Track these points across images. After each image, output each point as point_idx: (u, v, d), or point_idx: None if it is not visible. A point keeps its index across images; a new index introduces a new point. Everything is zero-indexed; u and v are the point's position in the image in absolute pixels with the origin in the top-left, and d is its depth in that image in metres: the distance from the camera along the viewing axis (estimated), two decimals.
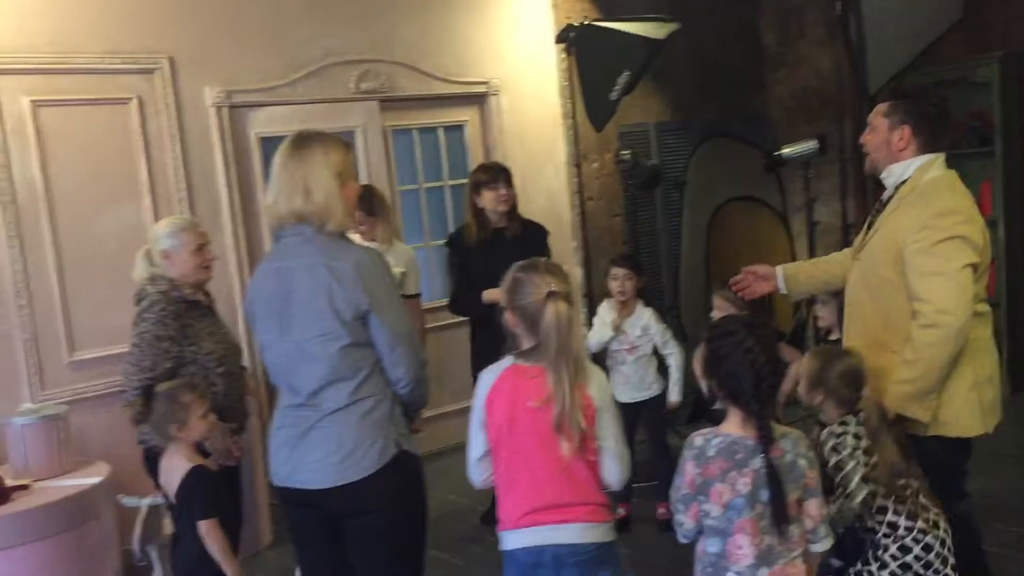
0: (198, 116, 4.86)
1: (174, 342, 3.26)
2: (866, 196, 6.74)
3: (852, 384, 2.65)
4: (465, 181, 5.89)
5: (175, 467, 3.01)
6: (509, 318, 2.37)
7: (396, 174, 5.60)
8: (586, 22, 5.46)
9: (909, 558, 2.61)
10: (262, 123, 5.09)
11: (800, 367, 3.48)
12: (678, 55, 6.40)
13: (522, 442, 2.30)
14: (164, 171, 4.76)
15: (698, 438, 2.29)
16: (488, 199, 4.39)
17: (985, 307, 2.89)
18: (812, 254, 6.16)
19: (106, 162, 4.60)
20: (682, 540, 2.31)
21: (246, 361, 4.16)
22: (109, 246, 4.61)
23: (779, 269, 3.40)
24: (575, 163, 5.94)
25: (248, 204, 5.01)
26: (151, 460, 3.40)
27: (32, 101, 4.37)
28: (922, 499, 2.66)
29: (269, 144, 5.12)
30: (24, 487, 3.82)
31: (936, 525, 2.66)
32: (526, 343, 2.33)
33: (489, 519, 4.30)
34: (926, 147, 2.86)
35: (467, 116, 5.91)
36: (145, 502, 3.82)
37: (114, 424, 4.49)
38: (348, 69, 5.33)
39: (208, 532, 2.94)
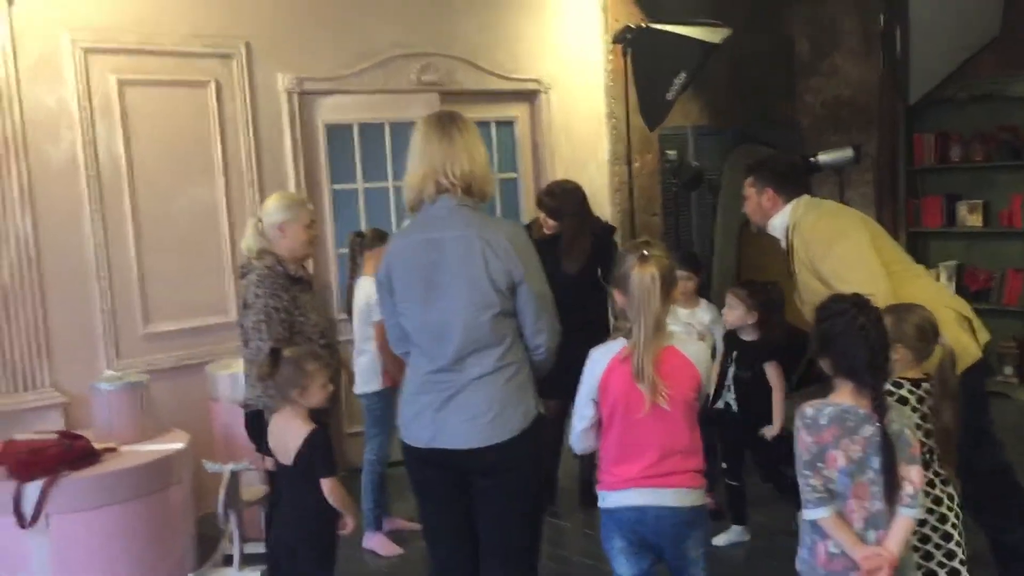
0: (270, 101, 5.03)
1: (288, 312, 3.41)
2: (896, 204, 6.96)
3: (926, 334, 2.75)
4: (514, 175, 6.11)
5: (292, 430, 3.15)
6: (618, 296, 2.54)
7: None
8: (643, 24, 5.63)
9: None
10: (329, 111, 5.26)
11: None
12: (714, 61, 6.60)
13: (636, 414, 2.46)
14: (237, 153, 4.93)
15: (809, 408, 2.45)
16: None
17: (909, 265, 3.33)
18: None
19: (184, 143, 4.77)
20: (808, 512, 2.41)
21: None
22: (184, 224, 4.77)
23: None
24: (626, 161, 6.10)
25: (314, 187, 5.17)
26: (253, 423, 3.56)
27: (119, 80, 4.53)
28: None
29: (334, 131, 5.31)
30: (112, 450, 3.96)
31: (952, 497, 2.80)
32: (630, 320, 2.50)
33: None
34: (788, 197, 3.42)
35: (518, 112, 6.08)
36: (228, 468, 3.96)
37: (184, 395, 4.66)
38: (411, 62, 5.50)
39: (332, 489, 3.10)
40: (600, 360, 2.52)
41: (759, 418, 3.98)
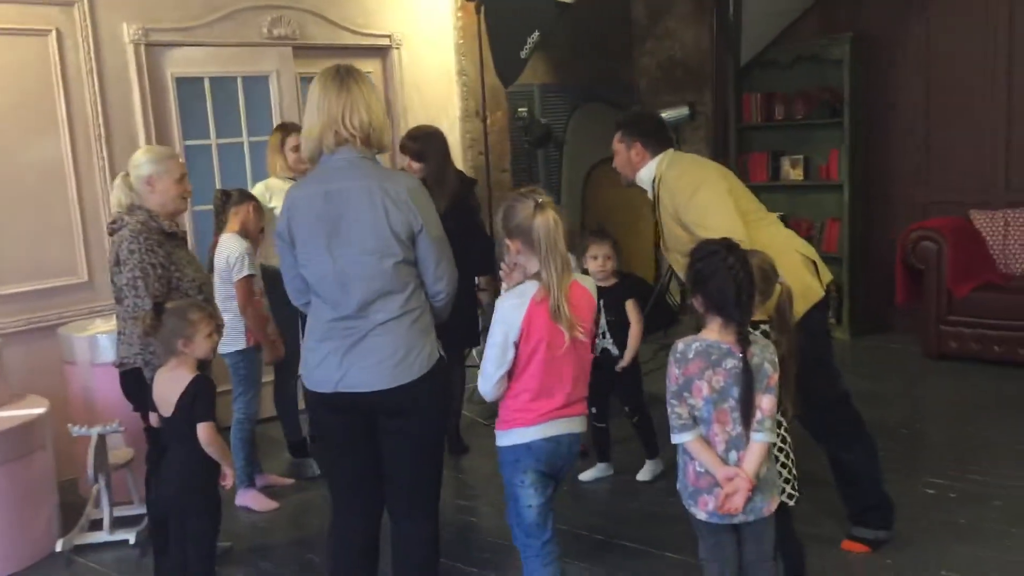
0: (116, 52, 4.85)
1: (164, 268, 3.37)
2: (727, 159, 7.42)
3: (767, 277, 2.94)
4: None
5: (177, 379, 3.15)
6: (510, 245, 2.67)
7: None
8: None
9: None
10: (178, 63, 5.11)
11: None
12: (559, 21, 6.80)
13: (558, 351, 2.62)
14: (83, 106, 4.74)
15: (680, 343, 2.68)
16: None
17: (762, 213, 3.58)
18: None
19: (26, 95, 4.55)
20: (674, 436, 2.65)
21: None
22: (29, 179, 4.57)
23: None
24: (481, 118, 6.22)
25: (164, 143, 5.00)
26: (129, 382, 3.51)
27: None
28: None
29: (185, 84, 5.17)
30: None
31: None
32: (532, 265, 2.64)
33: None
34: (655, 151, 3.60)
35: (371, 68, 6.08)
36: (95, 431, 3.89)
37: (35, 359, 4.50)
38: (261, 14, 5.41)
39: (207, 433, 3.12)
40: (518, 305, 2.63)
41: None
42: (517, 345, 2.63)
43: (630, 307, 4.27)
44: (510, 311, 2.65)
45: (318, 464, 4.33)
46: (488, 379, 2.68)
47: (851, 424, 3.53)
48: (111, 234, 3.46)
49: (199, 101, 5.25)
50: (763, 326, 2.93)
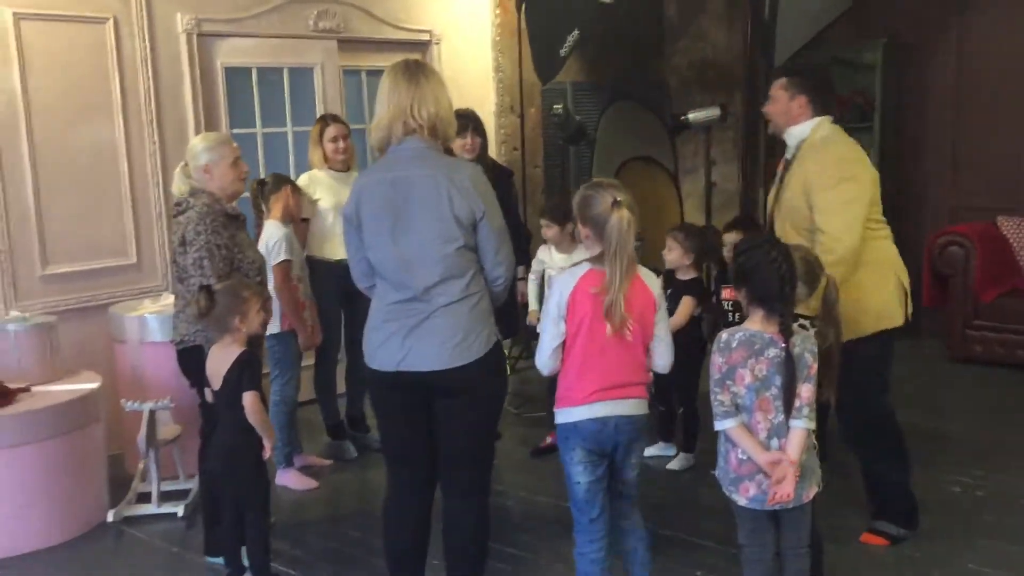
0: (169, 41, 4.98)
1: (228, 249, 3.49)
2: (756, 162, 7.50)
3: (814, 271, 3.06)
4: None
5: (231, 354, 3.28)
6: (582, 230, 2.80)
7: (346, 114, 5.82)
8: None
9: None
10: (227, 53, 5.24)
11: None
12: (594, 21, 6.89)
13: (599, 333, 2.73)
14: (136, 92, 4.87)
15: (724, 334, 2.79)
16: (456, 146, 4.70)
17: (884, 228, 3.56)
18: (708, 211, 6.84)
19: (82, 80, 4.68)
20: (717, 423, 2.76)
21: None
22: (83, 163, 4.70)
23: None
24: (518, 114, 6.33)
25: (212, 130, 5.13)
26: (187, 360, 3.63)
27: (15, 13, 4.40)
28: None
29: (233, 74, 5.31)
30: (25, 390, 3.94)
31: None
32: (595, 250, 2.77)
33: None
34: (817, 112, 3.53)
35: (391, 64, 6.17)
36: (148, 406, 4.02)
37: (85, 337, 4.63)
38: (307, 7, 5.53)
39: (251, 403, 3.25)
40: (568, 283, 2.76)
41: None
42: (565, 320, 2.74)
43: (683, 302, 4.32)
44: (561, 286, 2.77)
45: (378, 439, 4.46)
46: (543, 351, 2.80)
47: (891, 439, 3.58)
48: (176, 215, 3.58)
49: (246, 91, 5.37)
50: (802, 320, 3.03)
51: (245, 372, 3.27)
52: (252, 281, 3.47)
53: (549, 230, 4.65)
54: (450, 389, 2.77)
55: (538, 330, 2.89)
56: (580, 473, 2.81)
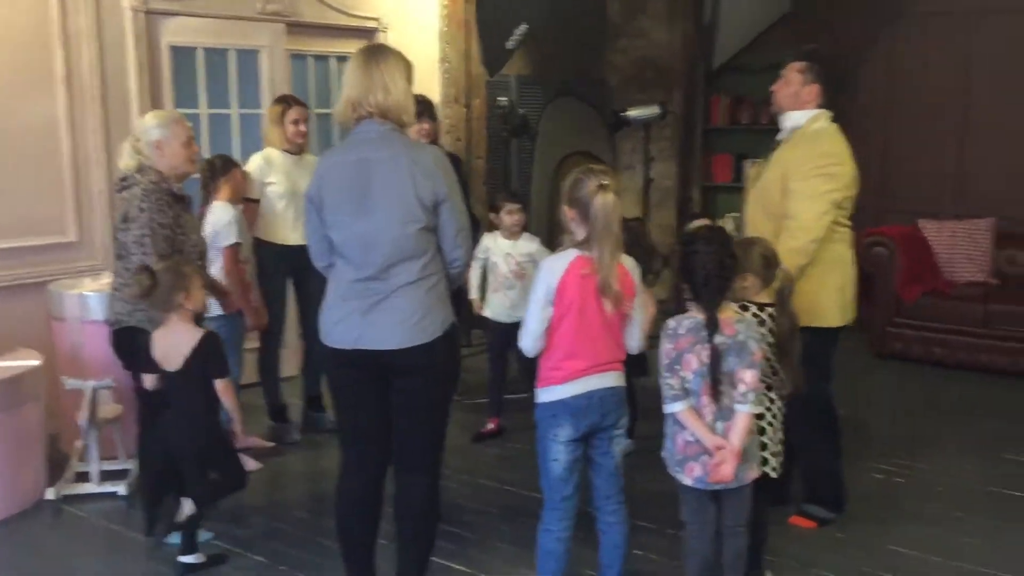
0: (115, 16, 4.91)
1: (171, 229, 3.48)
2: (693, 159, 7.70)
3: (769, 263, 3.22)
4: None
5: (182, 334, 3.28)
6: (567, 211, 2.87)
7: None
8: None
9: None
10: (173, 32, 5.19)
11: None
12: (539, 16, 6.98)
13: (588, 315, 2.82)
14: (80, 68, 4.79)
15: (672, 321, 2.91)
16: (411, 132, 4.74)
17: (847, 230, 3.69)
18: (645, 207, 7.01)
19: (25, 54, 4.59)
20: (667, 406, 2.88)
21: None
22: (23, 138, 4.62)
23: None
24: (465, 104, 6.38)
25: (157, 108, 5.07)
26: (120, 341, 3.61)
27: None
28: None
29: (179, 53, 5.26)
30: None
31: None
32: (580, 234, 2.84)
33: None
34: (822, 104, 3.65)
35: (356, 49, 6.16)
36: (90, 385, 3.98)
37: (22, 315, 4.56)
38: None
39: (225, 389, 3.27)
40: (558, 268, 2.83)
41: None
42: (552, 305, 2.82)
43: None
44: (549, 272, 2.85)
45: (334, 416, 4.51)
46: (529, 333, 2.88)
47: (828, 425, 3.74)
48: (120, 191, 3.56)
49: (192, 71, 5.32)
50: (768, 308, 3.16)
51: (212, 357, 3.27)
52: (186, 258, 3.46)
53: (513, 216, 4.74)
54: (406, 368, 2.83)
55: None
56: (559, 451, 2.89)
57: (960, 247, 6.49)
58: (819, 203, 3.47)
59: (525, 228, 5.05)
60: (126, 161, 3.58)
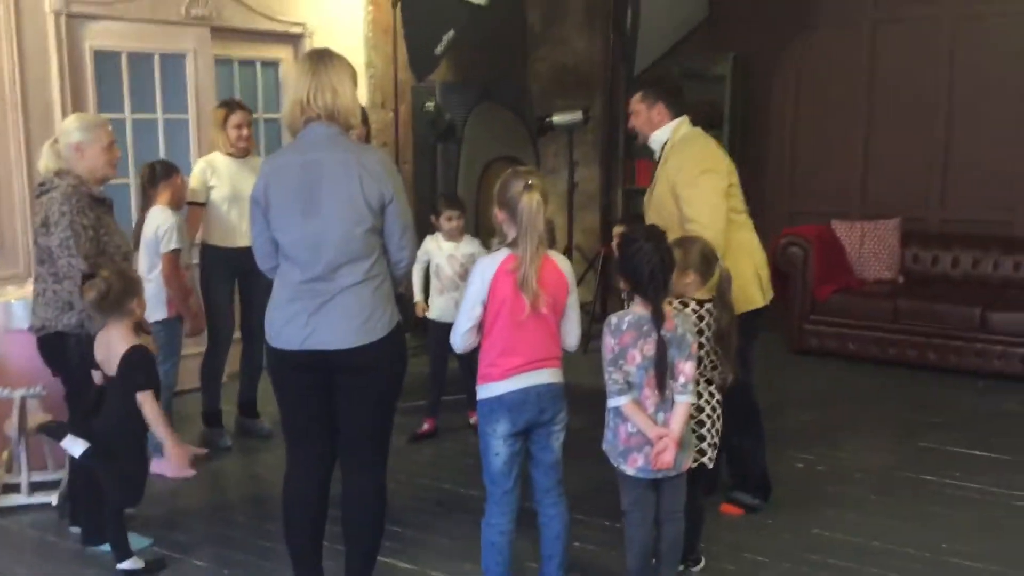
0: (36, 21, 4.84)
1: (95, 231, 3.45)
2: (615, 164, 7.87)
3: (709, 259, 3.35)
4: (278, 116, 6.22)
5: (118, 342, 3.26)
6: (498, 213, 2.95)
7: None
8: None
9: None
10: (97, 36, 5.12)
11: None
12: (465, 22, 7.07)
13: (520, 316, 2.89)
14: (0, 73, 4.68)
15: (614, 317, 3.01)
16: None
17: (744, 216, 3.89)
18: (570, 210, 7.15)
19: None
20: (612, 401, 2.99)
21: None
22: None
23: None
24: (392, 109, 6.43)
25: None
26: (48, 347, 3.56)
27: None
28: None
29: (102, 58, 5.19)
30: None
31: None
32: (511, 234, 2.92)
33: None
34: (675, 114, 3.85)
35: (283, 54, 6.20)
36: (19, 394, 3.91)
37: None
38: None
39: (146, 401, 3.25)
40: (489, 267, 2.91)
41: None
42: (484, 305, 2.90)
43: None
44: (481, 272, 2.92)
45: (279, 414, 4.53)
46: (458, 330, 2.96)
47: (749, 414, 3.89)
48: (39, 196, 3.52)
49: (116, 75, 5.25)
50: (708, 304, 3.30)
51: (139, 368, 3.26)
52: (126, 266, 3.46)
53: (452, 221, 4.83)
54: (354, 367, 2.88)
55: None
56: (499, 446, 2.96)
57: (869, 246, 6.80)
58: (709, 200, 3.65)
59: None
60: (46, 163, 3.54)
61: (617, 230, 4.51)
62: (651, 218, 3.91)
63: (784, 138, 7.29)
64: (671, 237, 3.64)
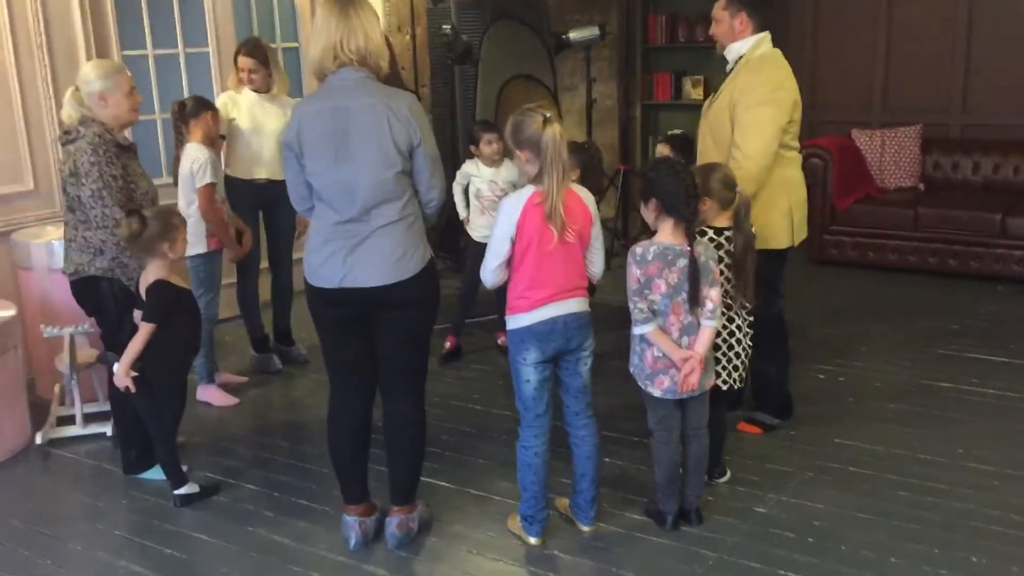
0: None
1: (123, 180, 3.53)
2: (633, 78, 7.85)
3: (729, 186, 3.40)
4: (296, 44, 6.23)
5: (148, 278, 3.43)
6: (520, 155, 3.01)
7: (237, 34, 5.78)
8: None
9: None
10: None
11: None
12: None
13: (547, 248, 2.98)
14: (24, 15, 4.73)
15: (638, 248, 3.11)
16: None
17: (795, 153, 3.87)
18: (589, 127, 7.16)
19: None
20: (637, 328, 3.11)
21: None
22: None
23: None
24: (407, 33, 6.41)
25: (103, 52, 5.05)
26: (81, 291, 3.70)
27: None
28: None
29: None
30: None
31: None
32: (534, 171, 2.98)
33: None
34: (757, 28, 3.77)
35: None
36: (68, 331, 4.07)
37: None
38: None
39: (140, 330, 3.43)
40: (516, 205, 2.99)
41: None
42: (513, 241, 3.00)
43: None
44: (508, 211, 3.00)
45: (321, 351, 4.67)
46: (486, 267, 3.06)
47: (778, 341, 3.98)
48: (64, 144, 3.57)
49: (136, 12, 5.27)
50: (727, 232, 3.38)
51: (149, 301, 3.41)
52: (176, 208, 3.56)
53: (492, 145, 4.89)
54: (390, 303, 3.00)
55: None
56: (530, 372, 3.09)
57: (890, 155, 6.81)
58: (764, 132, 3.63)
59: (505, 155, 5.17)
60: (68, 113, 3.57)
61: (662, 148, 4.44)
62: (703, 137, 3.92)
63: (804, 49, 7.22)
64: (719, 151, 3.73)
